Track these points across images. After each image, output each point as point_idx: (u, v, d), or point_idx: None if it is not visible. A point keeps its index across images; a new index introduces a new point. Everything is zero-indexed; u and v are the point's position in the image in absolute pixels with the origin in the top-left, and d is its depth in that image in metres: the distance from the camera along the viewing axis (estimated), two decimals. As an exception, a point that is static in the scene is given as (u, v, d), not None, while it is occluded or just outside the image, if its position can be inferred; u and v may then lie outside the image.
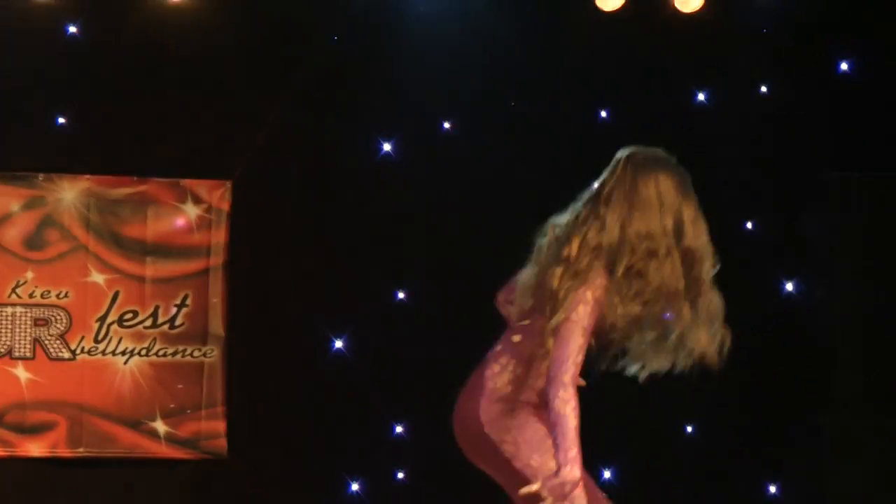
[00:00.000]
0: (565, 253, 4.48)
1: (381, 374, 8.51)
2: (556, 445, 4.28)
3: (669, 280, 4.50)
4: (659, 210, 4.51)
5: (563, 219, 4.65)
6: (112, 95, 8.30)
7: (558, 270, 4.46)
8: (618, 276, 4.43)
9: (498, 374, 4.64)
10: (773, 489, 8.71)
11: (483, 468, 4.73)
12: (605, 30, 8.50)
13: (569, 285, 4.42)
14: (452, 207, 8.54)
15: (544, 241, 4.64)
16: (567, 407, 4.28)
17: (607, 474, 8.42)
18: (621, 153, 4.64)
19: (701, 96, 8.80)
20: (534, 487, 4.27)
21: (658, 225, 4.50)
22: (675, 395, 8.13)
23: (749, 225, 8.75)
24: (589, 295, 4.40)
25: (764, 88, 8.81)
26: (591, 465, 4.51)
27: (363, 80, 8.53)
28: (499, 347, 4.70)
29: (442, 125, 8.60)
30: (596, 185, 4.63)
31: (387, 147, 8.53)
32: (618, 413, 7.84)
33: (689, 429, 8.72)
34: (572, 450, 4.25)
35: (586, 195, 4.64)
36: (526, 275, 4.64)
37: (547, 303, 4.44)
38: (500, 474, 4.66)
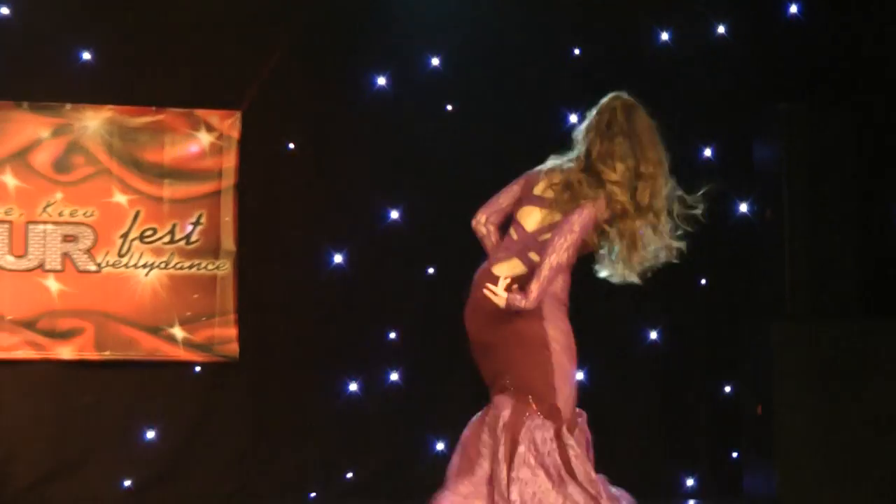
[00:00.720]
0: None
1: (375, 287, 9.18)
2: (534, 278, 5.19)
3: (657, 201, 5.38)
4: (657, 143, 5.42)
5: (562, 159, 5.53)
6: (131, 32, 8.89)
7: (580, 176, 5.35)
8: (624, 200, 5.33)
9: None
10: (727, 389, 9.54)
11: (489, 339, 5.51)
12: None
13: (583, 194, 5.29)
14: (441, 136, 9.23)
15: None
16: (551, 266, 5.17)
17: (581, 375, 9.18)
18: (609, 99, 5.51)
19: (664, 35, 9.51)
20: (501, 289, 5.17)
21: (659, 155, 5.40)
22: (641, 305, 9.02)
23: (707, 152, 9.50)
24: (589, 213, 5.29)
25: (721, 29, 9.55)
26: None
27: (359, 20, 9.18)
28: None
29: (430, 61, 9.30)
30: (591, 126, 5.48)
31: (381, 81, 9.19)
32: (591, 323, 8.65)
33: (653, 335, 9.51)
34: (535, 291, 5.16)
35: (585, 133, 5.49)
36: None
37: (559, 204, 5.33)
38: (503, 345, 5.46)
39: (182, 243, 8.95)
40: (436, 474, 5.68)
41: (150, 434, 8.87)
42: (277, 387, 9.05)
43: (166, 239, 8.94)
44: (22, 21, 8.74)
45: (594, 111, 5.55)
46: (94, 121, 8.86)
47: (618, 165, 5.37)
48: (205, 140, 8.99)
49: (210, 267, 8.98)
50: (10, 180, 8.71)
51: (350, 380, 9.12)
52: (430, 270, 9.26)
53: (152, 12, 8.93)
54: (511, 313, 5.27)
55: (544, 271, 5.21)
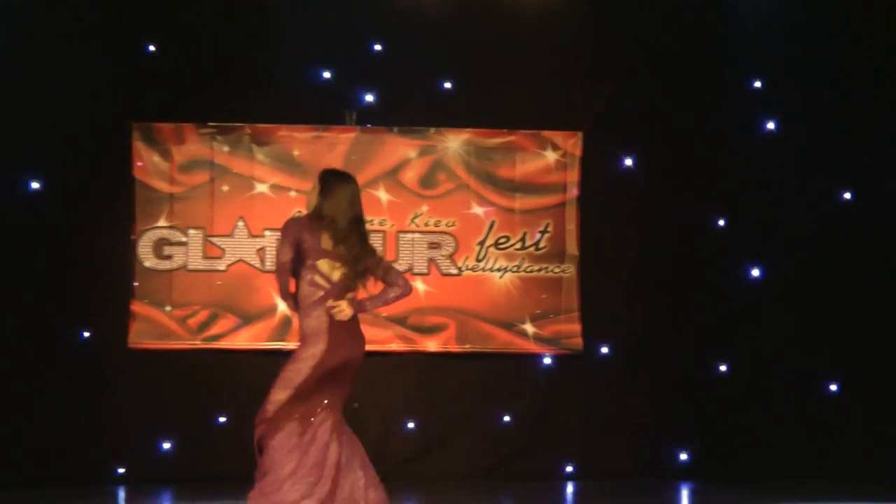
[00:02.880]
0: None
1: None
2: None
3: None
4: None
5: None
6: (485, 63, 9.96)
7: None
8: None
9: None
10: None
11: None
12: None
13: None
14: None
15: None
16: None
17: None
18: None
19: None
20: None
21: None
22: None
23: None
24: None
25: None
26: None
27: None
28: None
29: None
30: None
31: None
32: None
33: None
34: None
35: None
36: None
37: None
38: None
39: (532, 249, 10.01)
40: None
41: (506, 417, 9.97)
42: (616, 378, 10.00)
43: (518, 245, 10.01)
44: (392, 56, 9.99)
45: None
46: (454, 142, 10.01)
47: None
48: (551, 158, 10.03)
49: (556, 270, 10.01)
50: (383, 195, 9.95)
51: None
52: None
53: (504, 46, 10.00)
54: None
55: None
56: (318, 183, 6.46)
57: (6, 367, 9.57)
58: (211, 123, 9.90)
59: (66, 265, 9.67)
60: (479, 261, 9.99)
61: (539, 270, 10.01)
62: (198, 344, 9.84)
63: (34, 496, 9.01)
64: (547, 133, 10.04)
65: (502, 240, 10.01)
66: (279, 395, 6.28)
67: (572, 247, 10.01)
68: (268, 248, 9.79)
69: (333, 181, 6.46)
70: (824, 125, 10.06)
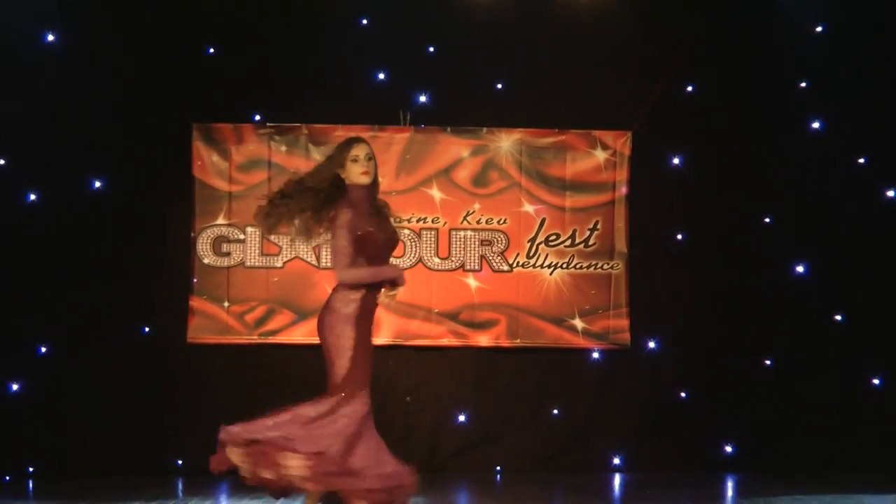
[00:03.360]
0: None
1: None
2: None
3: None
4: None
5: None
6: (537, 64, 10.16)
7: None
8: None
9: None
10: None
11: None
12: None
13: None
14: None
15: None
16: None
17: None
18: None
19: None
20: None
21: None
22: None
23: None
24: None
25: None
26: None
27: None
28: None
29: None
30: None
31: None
32: None
33: None
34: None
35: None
36: None
37: None
38: None
39: (581, 246, 10.19)
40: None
41: (555, 411, 10.18)
42: (665, 371, 10.20)
43: (568, 242, 10.19)
44: (446, 57, 10.19)
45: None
46: (506, 142, 10.20)
47: None
48: (601, 157, 10.21)
49: (605, 267, 10.19)
50: (437, 193, 10.16)
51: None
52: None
53: (555, 46, 10.19)
54: None
55: None
56: None
57: (69, 362, 9.82)
58: (269, 124, 10.10)
59: (127, 262, 9.92)
60: (529, 257, 10.17)
61: (588, 267, 10.19)
62: (255, 339, 10.07)
63: (97, 486, 9.29)
64: (597, 133, 10.22)
65: (552, 237, 10.19)
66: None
67: (621, 244, 10.19)
68: (323, 246, 9.98)
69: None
70: (870, 124, 10.22)
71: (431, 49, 10.20)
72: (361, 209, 6.58)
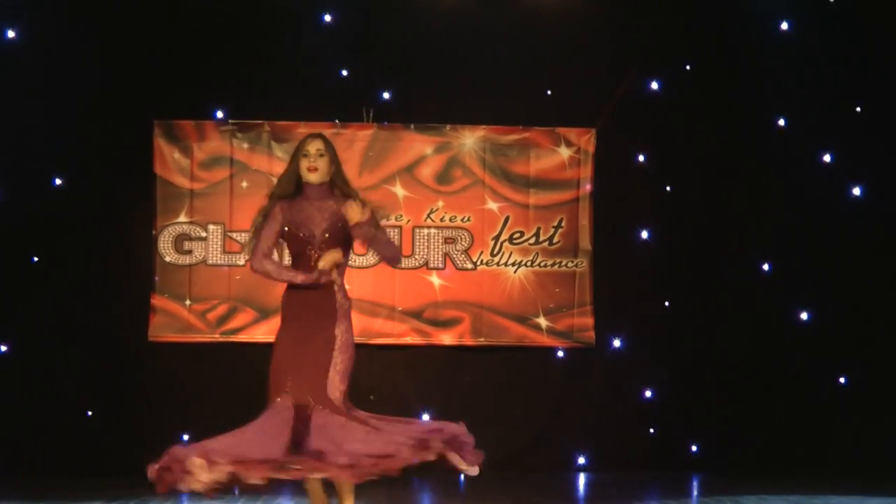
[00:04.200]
0: None
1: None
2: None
3: None
4: None
5: None
6: (501, 61, 10.12)
7: None
8: None
9: None
10: None
11: None
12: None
13: None
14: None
15: None
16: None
17: None
18: None
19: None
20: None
21: None
22: None
23: None
24: None
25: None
26: None
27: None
28: None
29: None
30: None
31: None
32: None
33: None
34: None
35: None
36: None
37: None
38: None
39: (546, 244, 10.16)
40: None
41: (520, 410, 10.12)
42: (630, 369, 10.16)
43: (532, 240, 10.16)
44: (409, 54, 10.15)
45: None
46: (470, 139, 10.17)
47: None
48: (565, 154, 10.18)
49: (570, 264, 10.16)
50: (400, 191, 10.11)
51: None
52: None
53: (519, 44, 10.17)
54: None
55: None
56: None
57: (30, 361, 9.75)
58: (231, 121, 10.06)
59: (88, 260, 9.86)
60: (493, 255, 10.14)
61: (553, 265, 10.16)
62: (217, 337, 10.01)
63: (61, 485, 9.19)
64: (561, 130, 10.19)
65: (517, 235, 10.16)
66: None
67: (585, 242, 10.15)
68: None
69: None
70: (835, 121, 10.25)
71: (395, 46, 10.15)
72: (301, 205, 6.41)
